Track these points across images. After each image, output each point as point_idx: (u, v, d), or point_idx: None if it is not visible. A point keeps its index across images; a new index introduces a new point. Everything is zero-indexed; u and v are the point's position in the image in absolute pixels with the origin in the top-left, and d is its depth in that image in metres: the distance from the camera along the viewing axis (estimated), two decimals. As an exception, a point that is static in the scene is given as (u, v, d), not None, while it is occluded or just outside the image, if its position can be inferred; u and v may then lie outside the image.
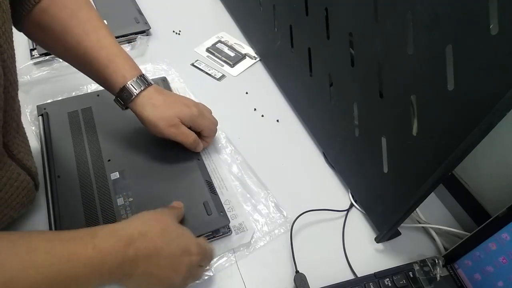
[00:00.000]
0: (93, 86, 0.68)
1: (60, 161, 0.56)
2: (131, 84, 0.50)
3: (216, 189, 0.55)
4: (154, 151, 0.57)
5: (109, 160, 0.56)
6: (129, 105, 0.52)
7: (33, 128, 0.61)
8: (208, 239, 0.50)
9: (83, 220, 0.50)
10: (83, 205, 0.51)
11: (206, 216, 0.50)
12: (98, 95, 0.64)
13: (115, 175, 0.54)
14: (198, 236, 0.48)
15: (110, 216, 0.50)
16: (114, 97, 0.53)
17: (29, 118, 0.63)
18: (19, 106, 0.47)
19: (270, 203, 0.56)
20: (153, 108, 0.51)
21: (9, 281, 0.29)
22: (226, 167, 0.60)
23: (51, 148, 0.57)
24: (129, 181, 0.54)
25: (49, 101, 0.64)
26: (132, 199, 0.52)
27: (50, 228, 0.50)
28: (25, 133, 0.50)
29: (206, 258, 0.45)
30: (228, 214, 0.52)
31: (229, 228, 0.51)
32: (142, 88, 0.51)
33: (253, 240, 0.52)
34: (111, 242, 0.36)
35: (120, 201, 0.52)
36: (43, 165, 0.56)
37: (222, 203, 0.53)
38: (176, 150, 0.56)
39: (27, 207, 0.50)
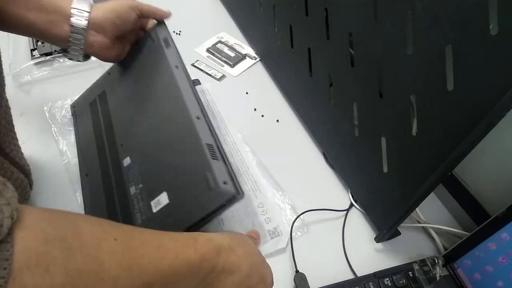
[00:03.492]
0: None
1: (87, 158, 0.54)
2: None
3: (228, 155, 0.43)
4: (155, 124, 0.50)
5: (121, 145, 0.52)
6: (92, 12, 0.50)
7: (53, 127, 0.61)
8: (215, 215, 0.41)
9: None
10: (106, 202, 0.49)
11: (206, 193, 0.40)
12: (109, 73, 0.60)
13: (127, 161, 0.49)
14: (200, 220, 0.41)
15: (127, 215, 0.46)
16: (120, 74, 0.53)
17: (47, 116, 0.63)
18: (7, 104, 0.46)
19: (287, 205, 0.56)
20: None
21: (130, 268, 0.30)
22: (257, 168, 0.59)
23: (80, 147, 0.56)
24: (138, 165, 0.48)
25: (76, 97, 0.64)
26: (141, 185, 0.47)
27: None
28: (15, 133, 0.50)
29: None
30: (262, 218, 0.51)
31: (236, 196, 0.39)
32: None
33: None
34: (207, 248, 0.37)
35: (132, 190, 0.47)
36: (79, 166, 0.56)
37: (256, 206, 0.51)
38: (172, 112, 0.48)
39: None
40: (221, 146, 0.42)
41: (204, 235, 0.39)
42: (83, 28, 0.50)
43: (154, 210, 0.44)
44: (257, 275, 0.41)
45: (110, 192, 0.49)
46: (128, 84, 0.55)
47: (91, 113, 0.58)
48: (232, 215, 0.54)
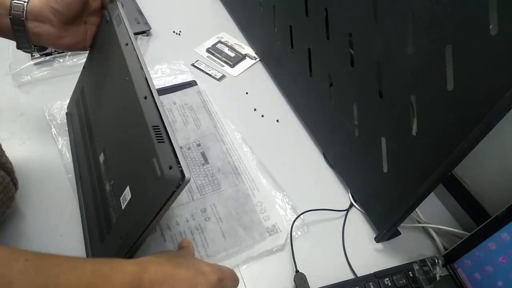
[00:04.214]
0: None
1: (80, 160, 0.53)
2: None
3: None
4: (113, 112, 0.47)
5: (97, 141, 0.49)
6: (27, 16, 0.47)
7: (52, 128, 0.61)
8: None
9: (96, 224, 0.47)
10: (94, 204, 0.48)
11: (155, 183, 0.36)
12: (84, 67, 0.57)
13: (102, 157, 0.47)
14: (158, 213, 0.38)
15: (106, 215, 0.45)
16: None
17: (47, 117, 0.63)
18: None
19: (287, 205, 0.56)
20: None
21: (44, 287, 0.30)
22: (255, 167, 0.59)
23: (74, 149, 0.55)
24: (109, 160, 0.46)
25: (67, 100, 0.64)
26: (113, 182, 0.45)
27: (86, 246, 0.49)
28: None
29: (228, 278, 0.43)
30: (261, 216, 0.50)
31: (182, 182, 0.35)
32: None
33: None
34: (127, 265, 0.36)
35: (107, 187, 0.46)
36: (74, 170, 0.55)
37: (254, 204, 0.50)
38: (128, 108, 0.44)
39: (8, 206, 0.48)
40: (170, 126, 0.38)
41: (126, 265, 0.36)
42: (21, 20, 0.47)
43: (123, 207, 0.41)
44: (191, 271, 0.39)
45: (95, 192, 0.48)
46: (96, 74, 0.53)
47: (78, 113, 0.57)
48: (231, 213, 0.54)
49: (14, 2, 0.46)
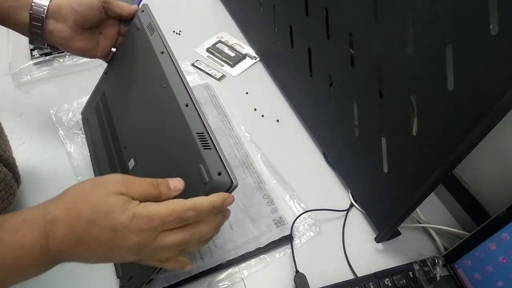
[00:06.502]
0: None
1: (101, 166, 0.54)
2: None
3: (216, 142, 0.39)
4: (148, 119, 0.47)
5: (125, 147, 0.50)
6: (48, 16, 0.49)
7: (60, 130, 0.61)
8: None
9: None
10: None
11: (202, 188, 0.37)
12: (106, 73, 0.58)
13: (131, 163, 0.48)
14: None
15: None
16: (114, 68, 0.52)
17: (54, 119, 0.63)
18: None
19: (296, 204, 0.56)
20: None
21: None
22: (261, 162, 0.60)
23: (94, 155, 0.56)
24: (141, 167, 0.46)
25: (81, 99, 0.64)
26: None
27: None
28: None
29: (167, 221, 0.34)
30: (268, 209, 0.51)
31: (231, 187, 0.37)
32: None
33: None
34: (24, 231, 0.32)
35: None
36: (94, 174, 0.56)
37: (261, 197, 0.50)
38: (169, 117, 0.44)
39: (10, 203, 0.48)
40: (213, 133, 0.39)
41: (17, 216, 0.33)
42: (41, 16, 0.48)
43: None
44: (107, 227, 0.32)
45: None
46: (122, 81, 0.54)
47: (97, 118, 0.57)
48: (238, 205, 0.54)
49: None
